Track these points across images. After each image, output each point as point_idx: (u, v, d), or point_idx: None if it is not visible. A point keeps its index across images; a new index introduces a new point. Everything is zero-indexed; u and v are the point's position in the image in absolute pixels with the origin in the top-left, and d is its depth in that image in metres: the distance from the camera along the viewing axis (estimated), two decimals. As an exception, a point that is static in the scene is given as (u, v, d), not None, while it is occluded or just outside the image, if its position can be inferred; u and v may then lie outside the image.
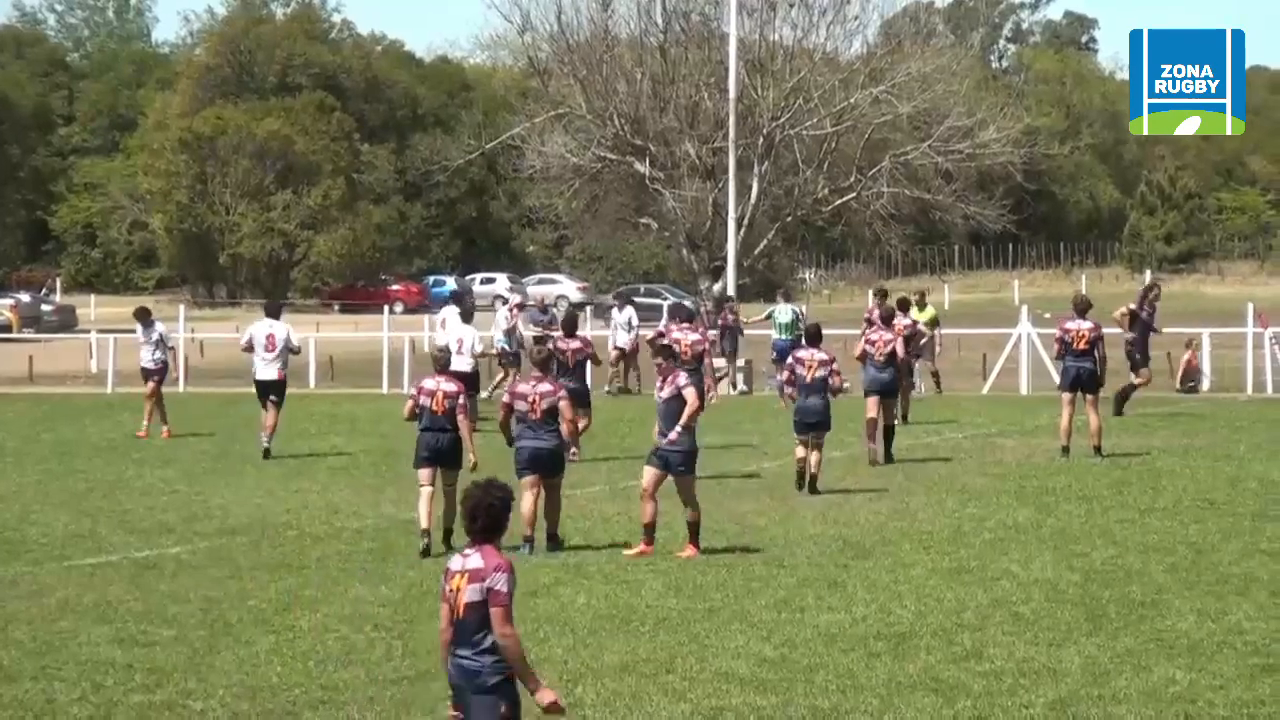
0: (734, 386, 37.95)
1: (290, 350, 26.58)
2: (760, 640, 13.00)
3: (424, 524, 17.12)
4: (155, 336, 29.41)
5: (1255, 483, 21.20)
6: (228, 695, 11.69)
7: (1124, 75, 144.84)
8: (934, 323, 34.08)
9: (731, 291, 42.01)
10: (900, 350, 24.92)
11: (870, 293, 34.83)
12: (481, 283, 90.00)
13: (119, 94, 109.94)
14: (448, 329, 30.34)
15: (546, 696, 8.35)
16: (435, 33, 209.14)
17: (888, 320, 25.67)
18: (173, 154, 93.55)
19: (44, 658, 12.78)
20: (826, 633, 13.18)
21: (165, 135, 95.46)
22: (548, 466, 16.98)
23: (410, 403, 17.62)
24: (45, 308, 73.63)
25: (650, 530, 16.82)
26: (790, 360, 21.84)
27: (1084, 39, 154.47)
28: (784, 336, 34.61)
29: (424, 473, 17.29)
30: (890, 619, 13.65)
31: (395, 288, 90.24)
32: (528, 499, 16.83)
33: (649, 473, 16.85)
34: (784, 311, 35.93)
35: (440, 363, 18.26)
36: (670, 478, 16.79)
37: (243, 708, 11.42)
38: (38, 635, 13.51)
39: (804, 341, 22.09)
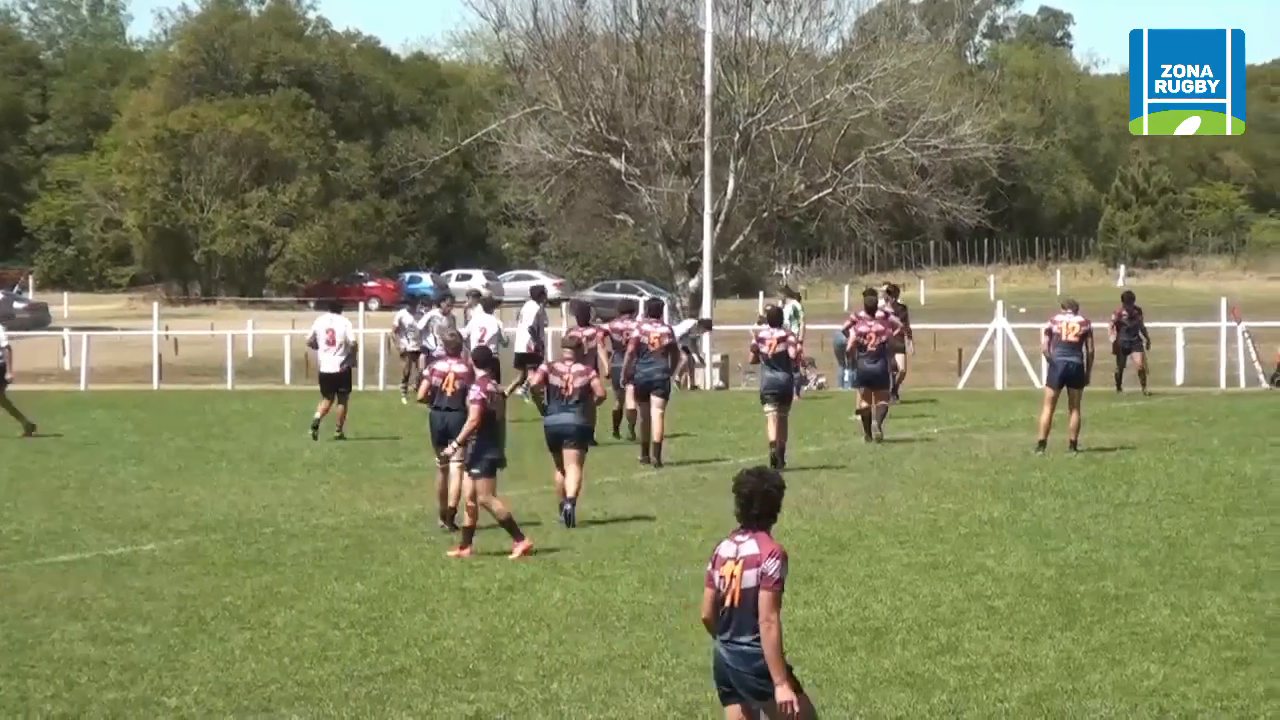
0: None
1: (347, 344, 27.58)
2: (736, 635, 12.98)
3: (442, 505, 18.17)
4: None
5: (1229, 477, 21.27)
6: (203, 692, 11.66)
7: (1098, 70, 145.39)
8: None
9: (707, 288, 41.96)
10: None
11: (883, 290, 35.45)
12: (458, 279, 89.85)
13: (93, 92, 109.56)
14: (471, 319, 30.90)
15: (784, 694, 8.42)
16: (411, 30, 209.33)
17: (871, 311, 26.41)
18: (147, 152, 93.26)
19: (17, 655, 12.73)
20: (803, 627, 13.17)
21: (140, 133, 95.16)
22: (574, 440, 18.48)
23: (425, 384, 18.69)
24: (18, 305, 73.37)
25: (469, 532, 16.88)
26: (754, 340, 24.01)
27: (1059, 34, 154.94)
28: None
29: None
30: (866, 613, 13.66)
31: (371, 284, 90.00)
32: (559, 473, 18.54)
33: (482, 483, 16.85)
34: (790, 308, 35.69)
35: (451, 347, 19.21)
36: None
37: (218, 704, 11.39)
38: (11, 633, 13.47)
39: (767, 323, 24.47)
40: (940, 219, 55.56)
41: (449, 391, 18.07)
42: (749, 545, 8.49)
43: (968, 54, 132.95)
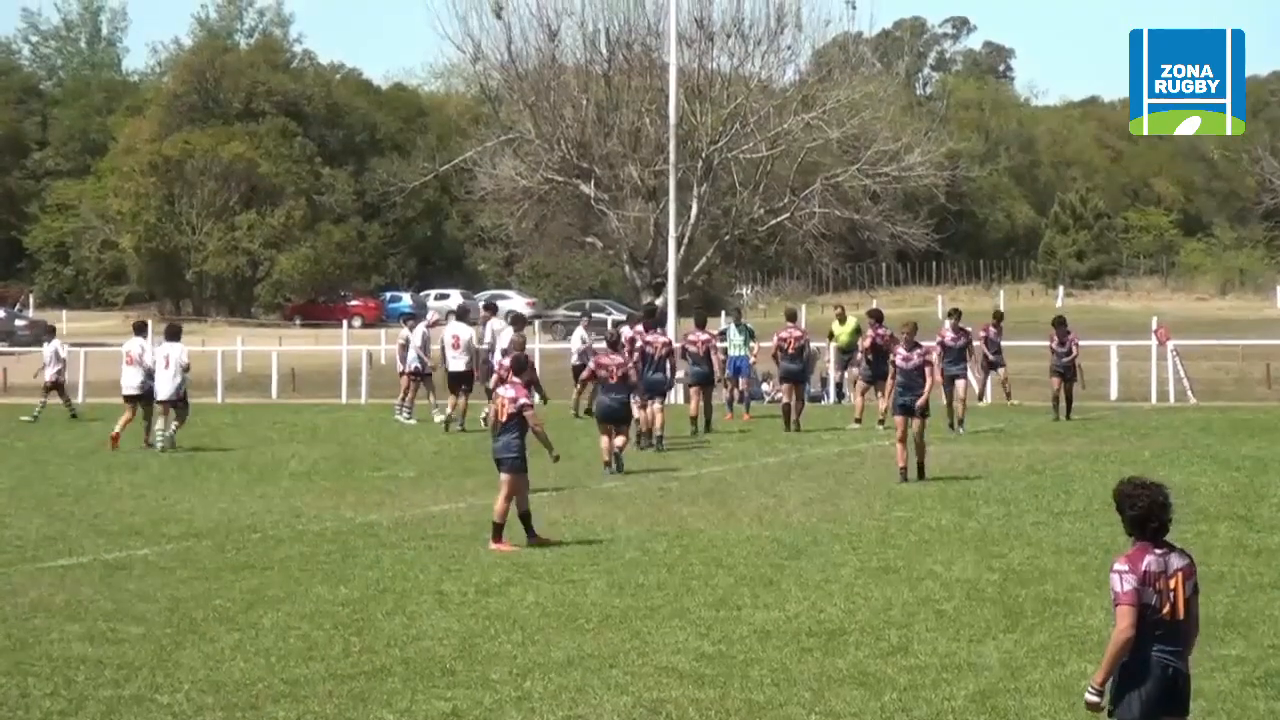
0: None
1: (470, 347, 30.44)
2: (699, 636, 12.99)
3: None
4: None
5: (1161, 486, 21.26)
6: (193, 690, 11.60)
7: (1038, 102, 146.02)
8: (857, 332, 34.36)
9: (672, 307, 41.91)
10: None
11: (945, 314, 36.31)
12: (436, 298, 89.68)
13: (90, 120, 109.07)
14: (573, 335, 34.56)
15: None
16: (392, 62, 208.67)
17: (791, 319, 30.36)
18: (142, 176, 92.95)
19: (17, 654, 12.65)
20: (761, 629, 13.17)
21: (135, 159, 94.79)
22: (620, 417, 23.33)
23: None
24: (19, 322, 73.08)
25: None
26: (640, 344, 26.63)
27: (1001, 68, 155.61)
28: (741, 353, 34.41)
29: None
30: (821, 616, 13.65)
31: (354, 303, 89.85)
32: (605, 440, 23.13)
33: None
34: (741, 329, 35.30)
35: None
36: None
37: (207, 701, 11.33)
38: (12, 633, 13.38)
39: (652, 327, 27.62)
40: (891, 242, 55.48)
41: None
42: (1179, 557, 8.18)
43: (917, 86, 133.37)
